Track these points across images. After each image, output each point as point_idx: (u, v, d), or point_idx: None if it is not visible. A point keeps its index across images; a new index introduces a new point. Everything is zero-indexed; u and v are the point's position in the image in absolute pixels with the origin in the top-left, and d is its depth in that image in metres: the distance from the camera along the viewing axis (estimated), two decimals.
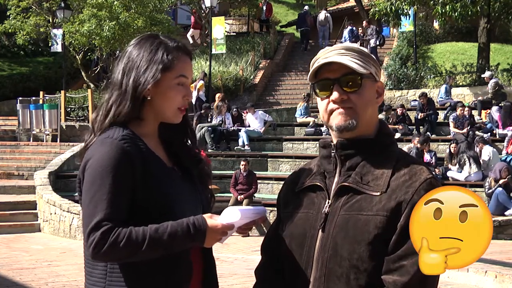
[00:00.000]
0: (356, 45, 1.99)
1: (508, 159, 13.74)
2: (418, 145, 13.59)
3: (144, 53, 2.21)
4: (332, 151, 1.97)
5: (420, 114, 16.65)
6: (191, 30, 27.75)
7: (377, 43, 22.87)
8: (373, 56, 1.98)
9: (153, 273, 2.12)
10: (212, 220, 2.09)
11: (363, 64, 1.92)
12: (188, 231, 2.05)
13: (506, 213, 11.93)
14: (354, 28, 24.58)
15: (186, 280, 2.17)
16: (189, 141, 2.37)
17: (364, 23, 24.26)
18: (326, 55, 1.96)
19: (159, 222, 2.07)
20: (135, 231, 2.03)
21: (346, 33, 24.54)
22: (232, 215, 2.09)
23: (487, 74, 18.23)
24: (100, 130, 2.20)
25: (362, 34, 24.03)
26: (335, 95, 1.92)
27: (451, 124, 15.81)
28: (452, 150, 14.25)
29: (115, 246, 2.01)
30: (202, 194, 2.32)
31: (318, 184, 1.98)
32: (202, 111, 17.27)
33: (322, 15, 27.52)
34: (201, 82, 19.79)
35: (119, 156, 2.09)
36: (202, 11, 27.32)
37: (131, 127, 2.20)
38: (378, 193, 1.86)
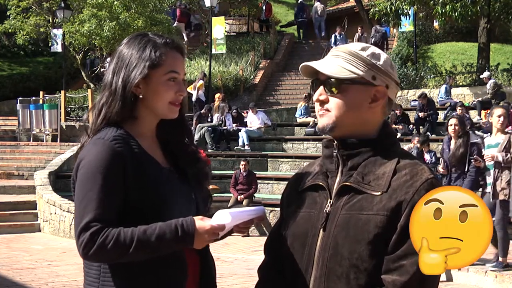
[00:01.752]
0: (360, 46, 1.98)
1: None
2: (418, 145, 13.60)
3: (132, 51, 2.22)
4: (334, 150, 1.98)
5: (420, 113, 16.66)
6: (176, 23, 27.34)
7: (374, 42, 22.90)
8: (374, 61, 1.95)
9: (144, 274, 2.12)
10: (200, 221, 2.08)
11: (354, 68, 1.93)
12: (176, 233, 2.05)
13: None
14: (336, 34, 24.74)
15: (179, 280, 2.16)
16: (186, 140, 2.37)
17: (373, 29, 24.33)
18: (326, 55, 2.01)
19: (151, 222, 2.07)
20: (123, 233, 2.03)
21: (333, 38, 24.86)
22: (223, 218, 2.09)
23: (485, 74, 18.23)
24: (93, 131, 2.21)
25: (363, 34, 24.16)
26: (316, 94, 1.98)
27: None
28: None
29: (103, 247, 2.02)
30: (198, 194, 2.31)
31: (320, 183, 1.99)
32: (202, 111, 17.28)
33: (319, 7, 28.05)
34: (201, 81, 19.79)
35: (109, 157, 2.09)
36: (184, 5, 27.27)
37: (126, 127, 2.20)
38: (379, 193, 1.87)
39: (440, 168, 8.39)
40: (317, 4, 28.59)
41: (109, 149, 2.10)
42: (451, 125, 8.31)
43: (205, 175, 2.40)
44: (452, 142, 8.35)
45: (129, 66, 2.20)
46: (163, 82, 2.21)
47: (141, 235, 2.03)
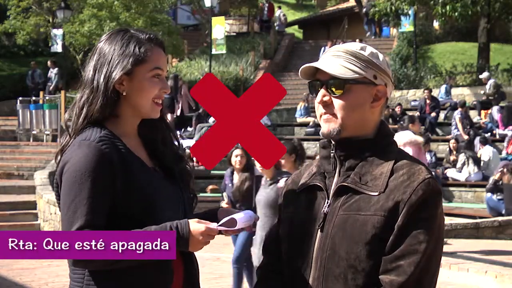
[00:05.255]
0: (359, 46, 1.97)
1: (508, 159, 13.74)
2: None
3: (115, 47, 2.15)
4: (331, 151, 1.97)
5: (424, 110, 16.70)
6: None
7: None
8: (374, 60, 1.94)
9: (130, 274, 2.06)
10: (195, 224, 2.02)
11: (356, 68, 1.91)
12: None
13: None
14: (326, 47, 24.95)
15: (164, 281, 2.11)
16: (168, 139, 2.30)
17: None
18: (324, 55, 1.98)
19: (140, 224, 2.01)
20: None
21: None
22: (230, 224, 2.07)
23: (484, 75, 18.25)
24: (75, 132, 2.15)
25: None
26: (318, 96, 1.94)
27: (457, 119, 15.70)
28: (451, 147, 14.29)
29: None
30: (184, 193, 2.26)
31: (318, 184, 1.98)
32: (201, 110, 17.28)
33: (281, 15, 29.08)
34: None
35: (97, 159, 2.02)
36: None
37: (108, 126, 2.13)
38: (377, 193, 1.86)
39: (224, 203, 7.03)
40: (279, 12, 29.07)
41: (96, 151, 2.03)
42: (236, 156, 7.14)
43: (188, 174, 2.33)
44: (235, 175, 7.29)
45: (112, 63, 2.12)
46: (148, 78, 2.15)
47: None
